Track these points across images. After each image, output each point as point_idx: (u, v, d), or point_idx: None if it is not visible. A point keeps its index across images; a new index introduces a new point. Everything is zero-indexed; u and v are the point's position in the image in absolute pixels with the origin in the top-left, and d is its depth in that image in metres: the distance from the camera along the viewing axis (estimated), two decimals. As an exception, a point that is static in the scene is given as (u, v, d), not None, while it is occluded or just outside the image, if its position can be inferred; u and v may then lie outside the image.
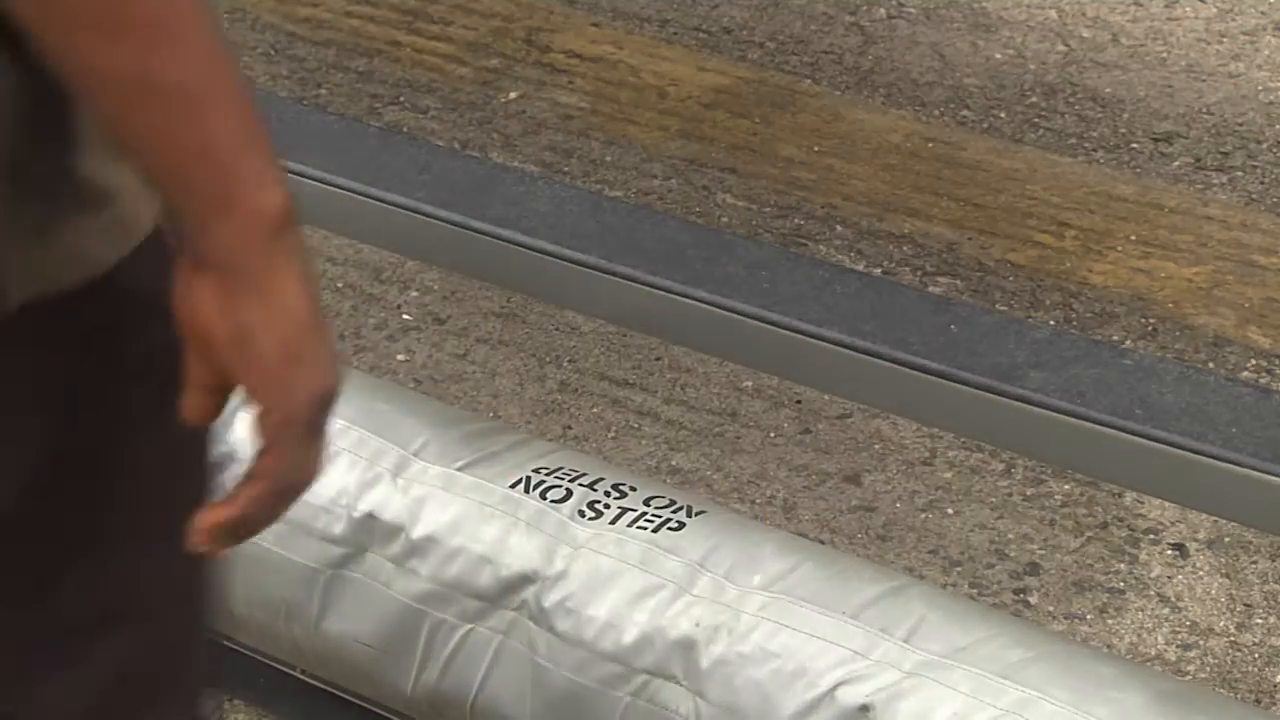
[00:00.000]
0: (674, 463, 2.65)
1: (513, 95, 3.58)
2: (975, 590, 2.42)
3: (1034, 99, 3.56)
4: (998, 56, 3.72)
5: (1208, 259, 3.07)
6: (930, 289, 2.95)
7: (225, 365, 1.03)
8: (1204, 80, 3.63)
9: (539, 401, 2.77)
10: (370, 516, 1.90)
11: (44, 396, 1.11)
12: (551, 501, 1.88)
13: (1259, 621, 2.40)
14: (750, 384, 2.80)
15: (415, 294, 3.00)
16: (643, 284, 1.95)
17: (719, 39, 3.78)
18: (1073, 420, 1.78)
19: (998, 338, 1.88)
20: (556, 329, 2.93)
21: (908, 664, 1.70)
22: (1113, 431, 1.77)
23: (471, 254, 2.06)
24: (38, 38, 0.97)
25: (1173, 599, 2.42)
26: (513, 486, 1.90)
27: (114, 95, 0.98)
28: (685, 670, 1.76)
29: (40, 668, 1.17)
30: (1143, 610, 2.41)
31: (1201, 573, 2.47)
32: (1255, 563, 2.48)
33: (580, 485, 1.90)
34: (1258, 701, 2.28)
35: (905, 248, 3.10)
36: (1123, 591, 2.44)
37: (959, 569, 2.47)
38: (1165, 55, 3.72)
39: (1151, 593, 2.44)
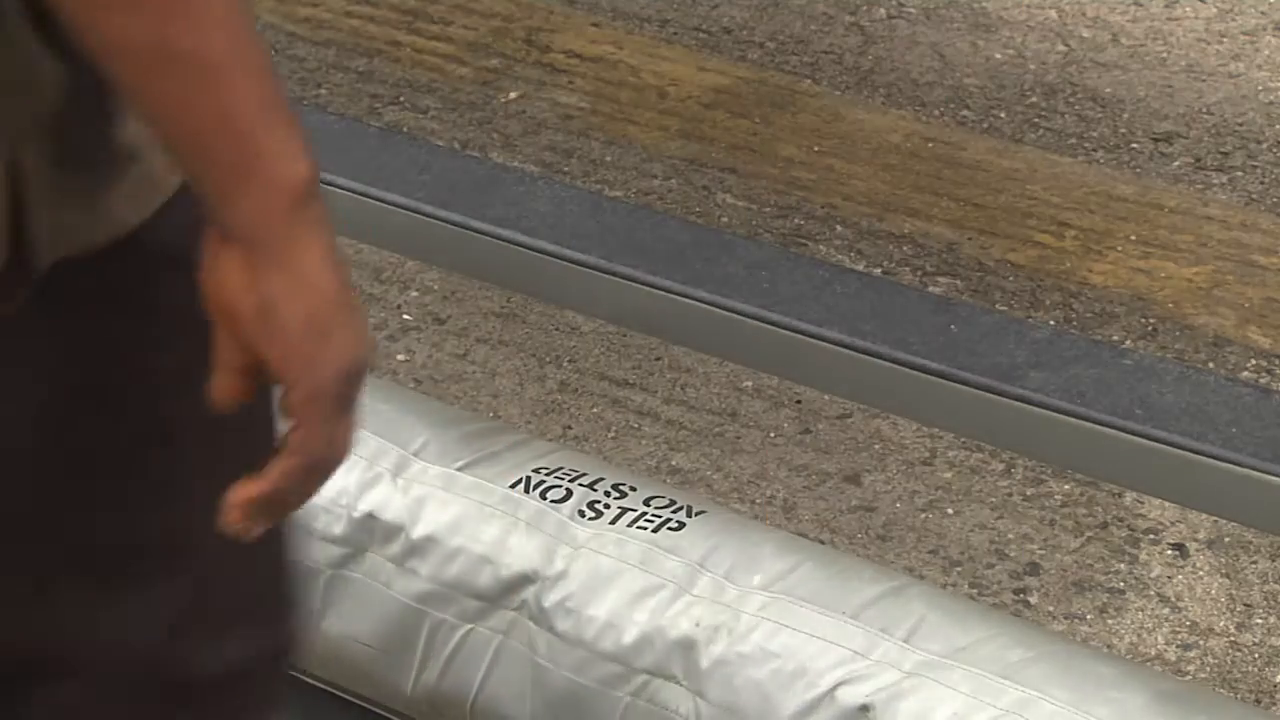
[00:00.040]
0: (674, 463, 2.65)
1: (513, 95, 3.58)
2: (975, 590, 2.42)
3: (1034, 99, 3.56)
4: (998, 56, 3.72)
5: (1208, 259, 3.07)
6: (930, 289, 2.95)
7: (250, 340, 1.02)
8: (1204, 80, 3.63)
9: (539, 401, 2.77)
10: (370, 516, 1.90)
11: (75, 351, 1.11)
12: (551, 501, 1.88)
13: (1259, 621, 2.40)
14: (750, 384, 2.80)
15: (415, 294, 3.01)
16: (643, 284, 1.95)
17: (719, 39, 3.78)
18: (1073, 420, 1.78)
19: (998, 338, 1.88)
20: (556, 329, 2.93)
21: (908, 664, 1.70)
22: (1113, 431, 1.77)
23: (471, 254, 2.06)
24: (58, 10, 0.98)
25: (1173, 599, 2.42)
26: (513, 486, 1.90)
27: (133, 65, 0.98)
28: (685, 670, 1.76)
29: (97, 599, 1.18)
30: (1143, 610, 2.41)
31: (1201, 573, 2.47)
32: (1255, 563, 2.48)
33: (580, 485, 1.90)
34: (1258, 701, 2.28)
35: (905, 248, 3.10)
36: (1123, 591, 2.44)
37: (959, 569, 2.47)
38: (1165, 55, 3.72)
39: (1151, 593, 2.44)
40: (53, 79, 1.04)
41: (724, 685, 1.74)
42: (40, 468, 1.13)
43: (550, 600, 1.82)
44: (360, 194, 2.09)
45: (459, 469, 1.92)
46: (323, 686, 2.02)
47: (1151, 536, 2.52)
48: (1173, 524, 2.54)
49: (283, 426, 1.06)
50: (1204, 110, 3.53)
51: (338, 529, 1.91)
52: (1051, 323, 2.87)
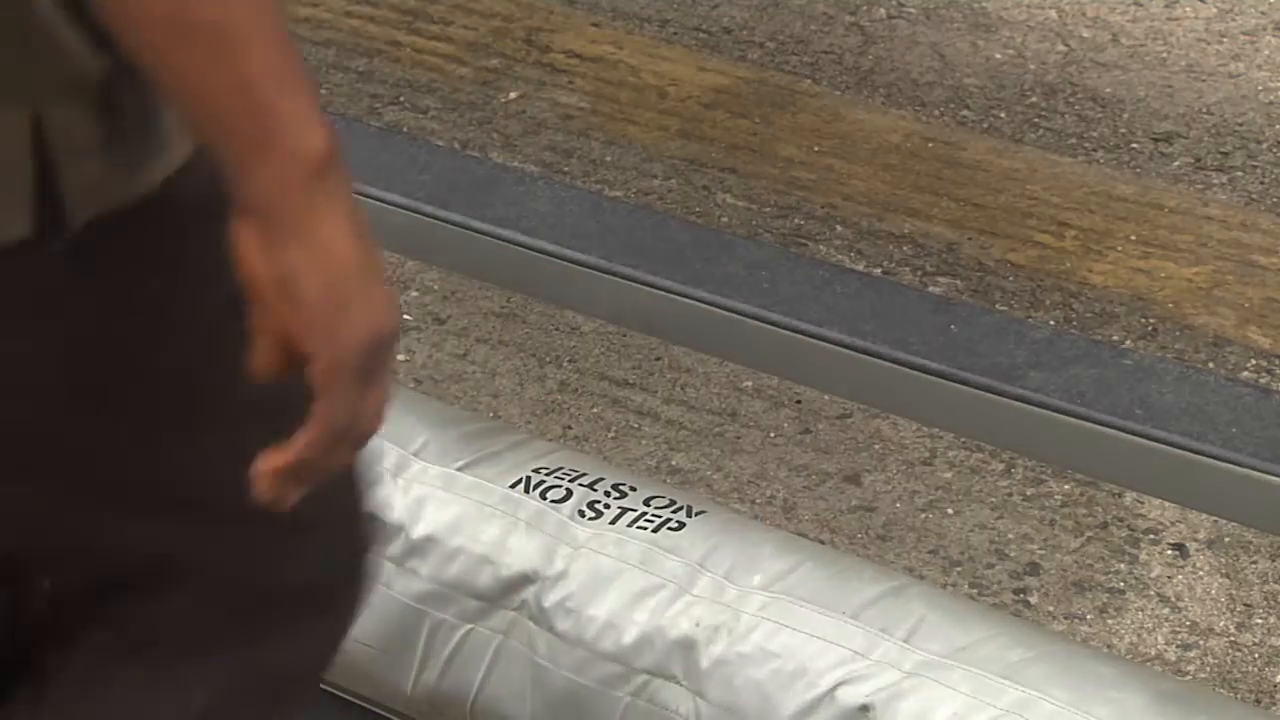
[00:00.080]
0: (674, 463, 2.65)
1: (513, 95, 3.57)
2: (975, 590, 2.42)
3: (1034, 99, 3.56)
4: (998, 56, 3.72)
5: (1208, 259, 3.07)
6: (930, 289, 2.95)
7: (271, 311, 1.03)
8: (1204, 80, 3.63)
9: (539, 401, 2.77)
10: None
11: (108, 306, 1.12)
12: (551, 501, 1.88)
13: (1259, 621, 2.40)
14: (750, 384, 2.80)
15: (415, 294, 3.00)
16: (643, 284, 1.95)
17: (719, 39, 3.78)
18: (1073, 420, 1.78)
19: (998, 338, 1.88)
20: (556, 329, 2.93)
21: (908, 664, 1.70)
22: (1113, 431, 1.77)
23: (471, 254, 2.06)
24: None
25: (1173, 599, 2.42)
26: (513, 486, 1.90)
27: (153, 36, 0.99)
28: (685, 670, 1.76)
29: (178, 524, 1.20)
30: (1143, 610, 2.41)
31: (1201, 573, 2.47)
32: (1255, 563, 2.48)
33: (580, 485, 1.90)
34: (1258, 701, 2.28)
35: (905, 248, 3.10)
36: (1123, 591, 2.44)
37: (959, 569, 2.47)
38: (1165, 55, 3.72)
39: (1151, 593, 2.44)
40: (79, 43, 1.05)
41: (724, 685, 1.74)
42: (90, 411, 1.15)
43: (550, 600, 1.82)
44: (360, 194, 2.08)
45: (459, 469, 1.92)
46: (323, 686, 2.02)
47: (1151, 536, 2.52)
48: (1173, 524, 2.54)
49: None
50: (1204, 110, 3.53)
51: (338, 529, 1.91)
52: (1051, 323, 2.87)
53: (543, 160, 3.34)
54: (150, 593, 1.24)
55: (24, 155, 1.06)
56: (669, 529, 1.84)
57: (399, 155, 2.21)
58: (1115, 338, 2.86)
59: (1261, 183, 3.31)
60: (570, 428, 2.72)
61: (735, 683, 1.74)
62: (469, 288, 3.00)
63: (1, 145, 1.05)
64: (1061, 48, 3.75)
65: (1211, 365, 2.79)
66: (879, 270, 3.02)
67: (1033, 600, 2.42)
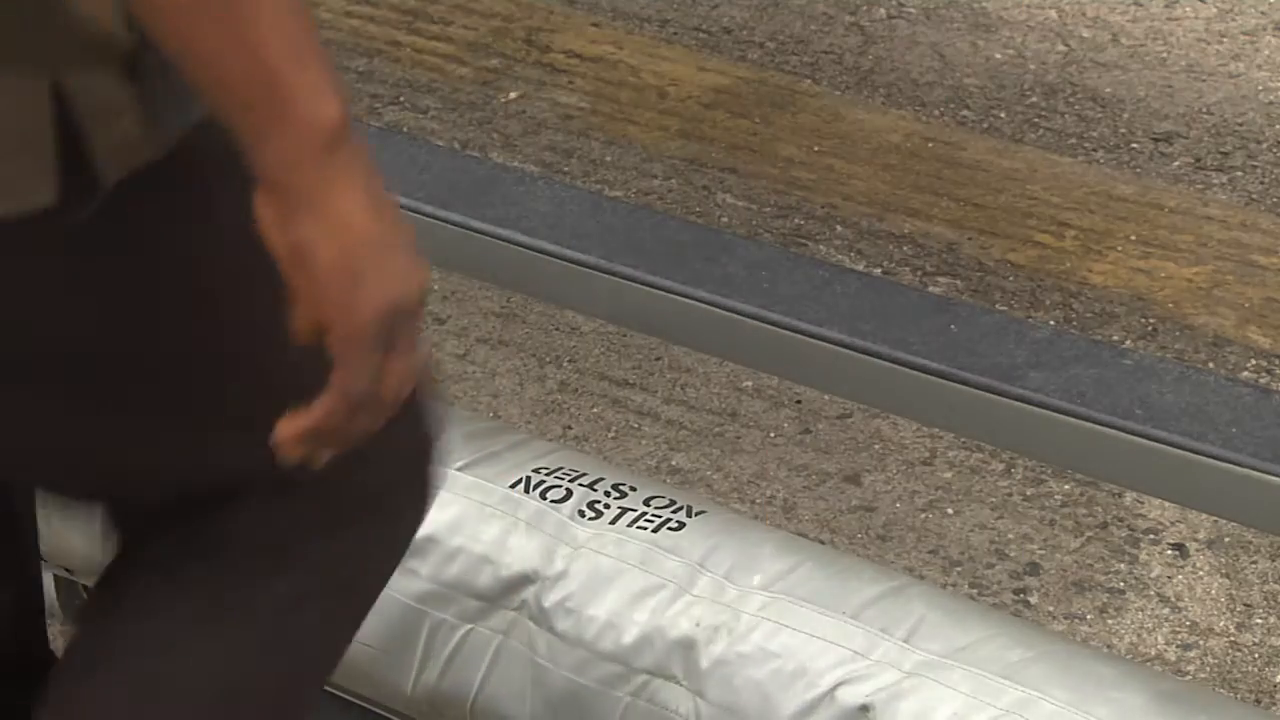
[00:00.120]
0: (674, 463, 2.65)
1: (513, 95, 3.57)
2: (975, 590, 2.42)
3: (1034, 99, 3.56)
4: (998, 56, 3.72)
5: (1208, 259, 3.07)
6: (930, 289, 2.95)
7: (288, 281, 1.03)
8: (1204, 80, 3.63)
9: (539, 401, 2.77)
10: (370, 516, 1.90)
11: (143, 262, 1.13)
12: (551, 501, 1.88)
13: (1259, 621, 2.40)
14: (750, 384, 2.80)
15: (415, 294, 3.00)
16: (643, 284, 1.95)
17: (719, 39, 3.78)
18: (1073, 420, 1.78)
19: (998, 338, 1.88)
20: (556, 329, 2.93)
21: (908, 664, 1.70)
22: (1113, 431, 1.77)
23: (471, 254, 2.06)
24: None
25: (1173, 599, 2.43)
26: (513, 486, 1.90)
27: (166, 6, 0.99)
28: (685, 670, 1.76)
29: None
30: (1143, 610, 2.41)
31: (1201, 573, 2.47)
32: (1255, 563, 2.48)
33: (580, 485, 1.90)
34: (1258, 701, 2.28)
35: (905, 248, 3.10)
36: (1123, 591, 2.44)
37: (959, 569, 2.47)
38: (1165, 55, 3.72)
39: (1151, 593, 2.44)
40: (101, 9, 1.05)
41: (724, 685, 1.74)
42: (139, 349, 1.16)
43: (550, 600, 1.82)
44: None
45: (459, 469, 1.92)
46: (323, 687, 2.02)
47: (1151, 536, 2.52)
48: (1173, 524, 2.54)
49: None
50: (1204, 110, 3.53)
51: (338, 529, 1.91)
52: (1051, 323, 2.87)
53: (543, 160, 3.34)
54: (221, 501, 1.25)
55: (44, 124, 1.05)
56: (669, 529, 1.84)
57: (399, 155, 2.21)
58: (1115, 338, 2.86)
59: (1261, 183, 3.31)
60: (570, 428, 2.72)
61: (735, 683, 1.74)
62: (469, 288, 3.00)
63: (21, 114, 1.05)
64: (1061, 48, 3.75)
65: (1211, 365, 2.79)
66: (879, 270, 3.02)
67: (1033, 600, 2.42)
